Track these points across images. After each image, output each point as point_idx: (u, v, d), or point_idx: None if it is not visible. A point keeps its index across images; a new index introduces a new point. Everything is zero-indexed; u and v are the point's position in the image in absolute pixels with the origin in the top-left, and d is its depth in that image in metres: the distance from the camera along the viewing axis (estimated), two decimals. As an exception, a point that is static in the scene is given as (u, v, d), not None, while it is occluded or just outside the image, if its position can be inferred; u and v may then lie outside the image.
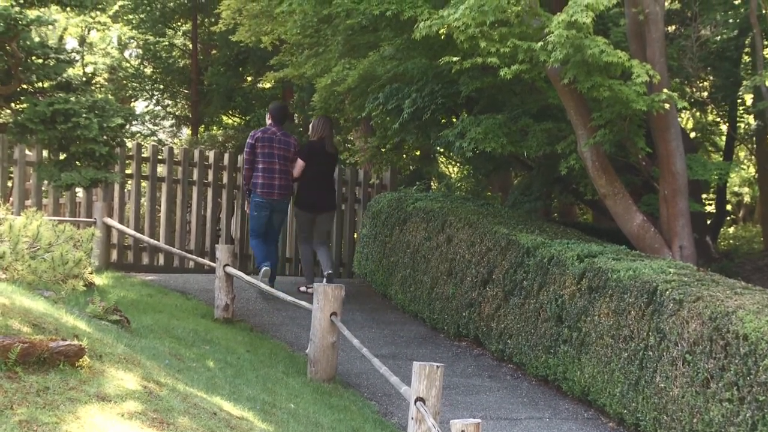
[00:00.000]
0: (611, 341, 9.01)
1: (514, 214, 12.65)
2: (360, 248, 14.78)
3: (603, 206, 11.95)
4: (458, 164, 22.93)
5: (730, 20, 13.65)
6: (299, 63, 15.33)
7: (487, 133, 12.07)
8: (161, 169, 15.63)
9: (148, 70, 24.99)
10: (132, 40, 25.65)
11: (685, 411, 7.91)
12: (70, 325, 7.56)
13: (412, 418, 6.89)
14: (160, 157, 15.59)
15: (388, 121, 14.56)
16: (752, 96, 14.32)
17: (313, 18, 13.51)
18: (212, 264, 12.14)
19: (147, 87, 24.82)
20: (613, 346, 8.98)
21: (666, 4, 11.27)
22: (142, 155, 15.48)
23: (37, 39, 11.40)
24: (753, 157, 18.90)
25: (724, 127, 16.74)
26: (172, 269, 15.35)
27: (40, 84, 11.28)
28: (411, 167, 18.92)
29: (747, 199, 23.02)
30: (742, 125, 17.30)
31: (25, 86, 11.11)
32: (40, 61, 11.14)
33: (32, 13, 10.74)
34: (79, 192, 15.24)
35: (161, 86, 24.58)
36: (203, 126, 24.11)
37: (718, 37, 14.04)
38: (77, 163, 11.04)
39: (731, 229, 21.48)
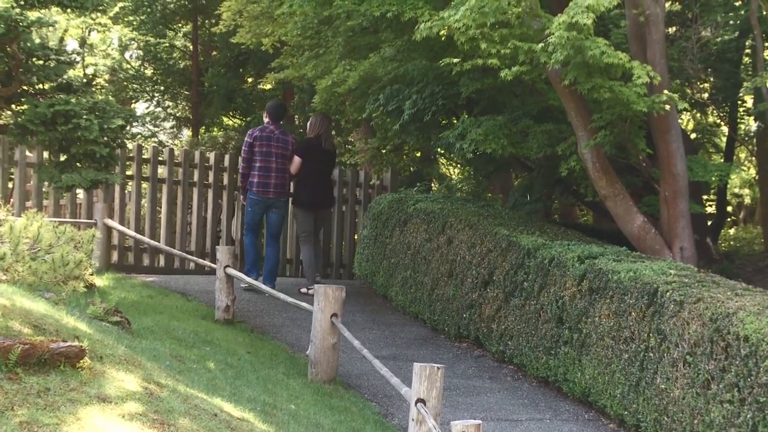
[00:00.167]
0: (612, 342, 9.01)
1: (514, 215, 12.65)
2: (360, 249, 14.78)
3: (603, 207, 11.95)
4: (459, 165, 22.94)
5: (731, 22, 13.64)
6: (300, 64, 15.34)
7: (488, 134, 12.08)
8: (162, 171, 15.63)
9: (149, 72, 25.01)
10: (132, 42, 25.67)
11: (685, 412, 7.91)
12: (70, 326, 7.56)
13: (413, 420, 6.89)
14: (160, 158, 15.59)
15: (388, 123, 14.57)
16: (753, 97, 14.33)
17: (314, 19, 13.52)
18: (213, 265, 12.15)
19: (147, 88, 24.83)
20: (613, 348, 8.98)
21: (666, 5, 11.27)
22: (143, 156, 15.47)
23: (37, 40, 11.40)
24: (753, 158, 18.90)
25: (724, 129, 16.74)
26: (173, 270, 15.35)
27: (40, 85, 11.27)
28: (411, 168, 18.93)
29: (747, 200, 23.02)
30: (743, 126, 17.30)
31: (25, 88, 11.11)
32: (41, 62, 11.14)
33: (33, 15, 10.74)
34: (80, 193, 15.24)
35: (162, 87, 24.59)
36: (204, 127, 24.12)
37: (719, 39, 14.04)
38: (78, 164, 11.04)
39: (732, 231, 21.48)
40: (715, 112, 16.41)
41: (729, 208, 20.66)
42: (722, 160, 15.79)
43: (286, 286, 13.32)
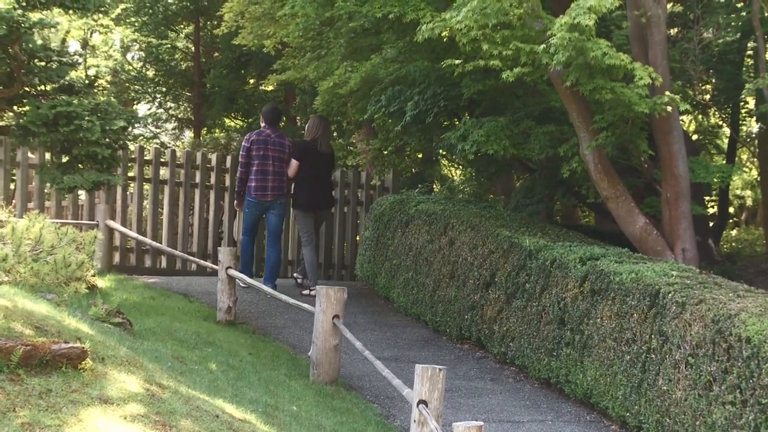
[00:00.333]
0: (614, 344, 9.00)
1: (516, 216, 12.65)
2: (362, 251, 14.78)
3: (605, 209, 11.94)
4: (460, 167, 22.93)
5: (733, 23, 13.63)
6: (301, 66, 15.34)
7: (490, 135, 12.07)
8: (164, 172, 15.64)
9: (151, 73, 25.01)
10: (134, 43, 25.67)
11: (687, 414, 7.91)
12: (72, 327, 7.56)
13: (415, 421, 6.89)
14: (162, 159, 15.60)
15: (390, 124, 14.57)
16: (754, 98, 14.32)
17: (316, 21, 13.52)
18: (215, 266, 12.16)
19: (149, 90, 24.83)
20: (615, 349, 8.97)
21: (668, 6, 11.27)
22: (145, 158, 15.49)
23: (39, 42, 11.40)
24: (755, 159, 18.89)
25: (726, 130, 16.74)
26: (175, 272, 15.36)
27: (42, 87, 11.28)
28: (413, 170, 18.93)
29: (749, 202, 23.01)
30: (745, 128, 17.29)
31: (27, 89, 11.11)
32: (43, 63, 11.14)
33: (35, 16, 10.74)
34: (82, 195, 15.26)
35: (163, 89, 24.59)
36: (205, 128, 24.12)
37: (721, 40, 14.04)
38: (80, 165, 11.04)
39: (734, 232, 21.46)
40: (716, 113, 16.41)
41: (731, 210, 20.65)
42: (724, 162, 15.78)
43: (287, 288, 13.33)
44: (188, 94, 23.97)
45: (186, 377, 7.91)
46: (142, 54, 25.58)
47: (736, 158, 18.10)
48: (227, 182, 15.80)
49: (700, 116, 17.64)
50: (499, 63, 10.14)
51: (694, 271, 9.26)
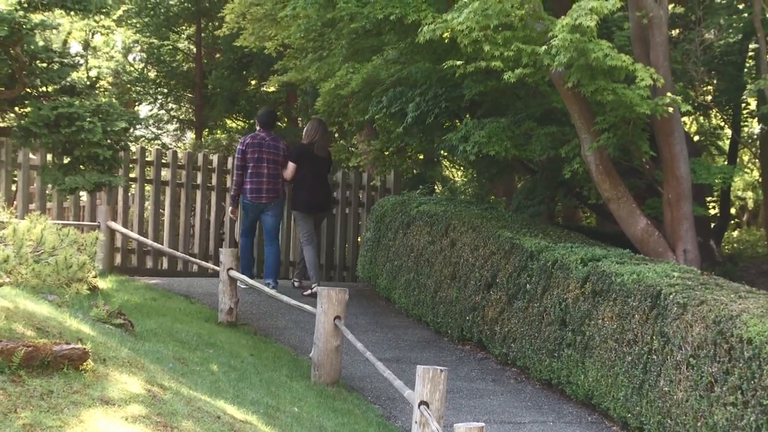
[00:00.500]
0: (615, 345, 9.00)
1: (517, 217, 12.65)
2: (363, 252, 14.78)
3: (607, 210, 11.94)
4: (462, 168, 22.93)
5: (734, 24, 13.63)
6: (303, 67, 15.34)
7: (491, 136, 12.07)
8: (165, 173, 15.64)
9: (152, 74, 25.01)
10: (136, 44, 25.66)
11: (689, 415, 7.91)
12: (74, 328, 7.56)
13: (416, 422, 6.89)
14: (164, 160, 15.60)
15: (391, 125, 14.57)
16: (756, 100, 14.31)
17: (317, 22, 13.52)
18: (216, 268, 12.16)
19: (151, 91, 24.83)
20: (616, 350, 8.97)
21: (670, 7, 11.26)
22: (146, 159, 15.50)
23: (41, 43, 11.42)
24: (757, 160, 18.88)
25: (727, 131, 16.72)
26: (176, 273, 15.37)
27: (44, 88, 11.29)
28: (414, 171, 18.92)
29: (750, 203, 23.00)
30: (746, 129, 17.28)
31: (29, 90, 11.13)
32: (44, 65, 11.16)
33: (36, 17, 10.75)
34: (83, 196, 15.26)
35: (165, 90, 24.60)
36: (207, 130, 24.12)
37: (722, 41, 14.03)
38: (81, 166, 11.06)
39: (735, 233, 21.45)
40: (718, 114, 16.39)
41: (732, 211, 20.64)
42: (725, 163, 15.78)
43: (288, 289, 13.33)
44: (190, 95, 23.97)
45: (187, 378, 7.91)
46: (144, 55, 25.58)
47: (738, 159, 18.09)
48: (229, 183, 15.80)
49: (701, 117, 17.63)
50: (501, 64, 10.14)
51: (696, 272, 9.26)
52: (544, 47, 9.86)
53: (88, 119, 10.57)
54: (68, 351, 6.47)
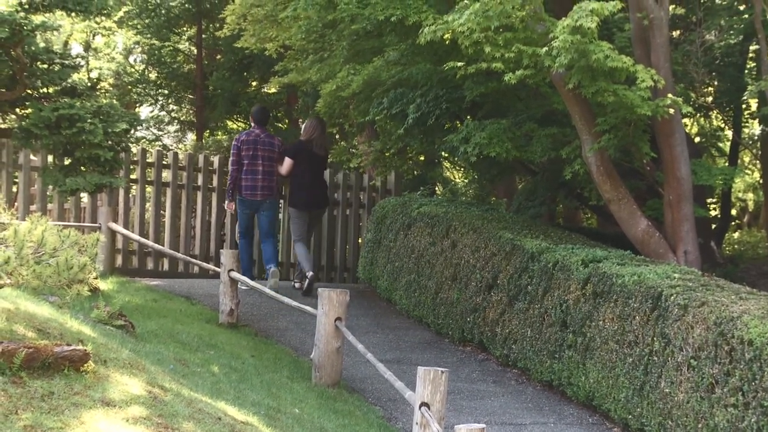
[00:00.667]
0: (616, 346, 9.00)
1: (518, 219, 12.65)
2: (364, 253, 14.78)
3: (607, 211, 11.94)
4: (463, 169, 22.92)
5: (735, 25, 13.63)
6: (304, 68, 15.34)
7: (492, 138, 12.07)
8: (166, 174, 15.64)
9: (153, 75, 25.01)
10: (137, 46, 25.66)
11: (689, 416, 7.90)
12: (74, 330, 7.57)
13: (417, 423, 6.88)
14: (164, 162, 15.60)
15: (392, 126, 14.58)
16: (757, 101, 14.31)
17: (318, 23, 13.53)
18: (217, 269, 12.17)
19: (152, 92, 24.83)
20: (617, 351, 8.97)
21: (670, 9, 11.25)
22: (147, 160, 15.50)
23: (42, 44, 11.42)
24: (757, 162, 18.87)
25: (728, 133, 16.73)
26: (177, 274, 15.37)
27: (45, 89, 11.30)
28: (415, 172, 18.92)
29: (751, 205, 22.99)
30: (747, 130, 17.28)
31: (30, 91, 11.14)
32: (45, 66, 11.16)
33: (37, 19, 10.76)
34: (84, 197, 15.26)
35: (166, 91, 24.59)
36: (208, 131, 24.12)
37: (723, 43, 14.02)
38: (82, 168, 11.06)
39: (736, 234, 21.45)
40: (719, 116, 16.39)
41: (733, 212, 20.64)
42: (726, 164, 15.77)
43: (289, 290, 13.33)
44: (190, 96, 23.96)
45: (188, 380, 7.91)
46: (145, 56, 25.57)
47: (739, 161, 18.07)
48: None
49: (702, 119, 17.62)
50: (502, 65, 10.14)
51: (697, 273, 9.26)
52: (544, 49, 9.86)
53: (89, 120, 10.58)
54: (69, 352, 6.47)
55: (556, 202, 15.32)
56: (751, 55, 14.42)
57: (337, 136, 20.95)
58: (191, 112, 24.69)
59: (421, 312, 12.66)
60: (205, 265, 13.36)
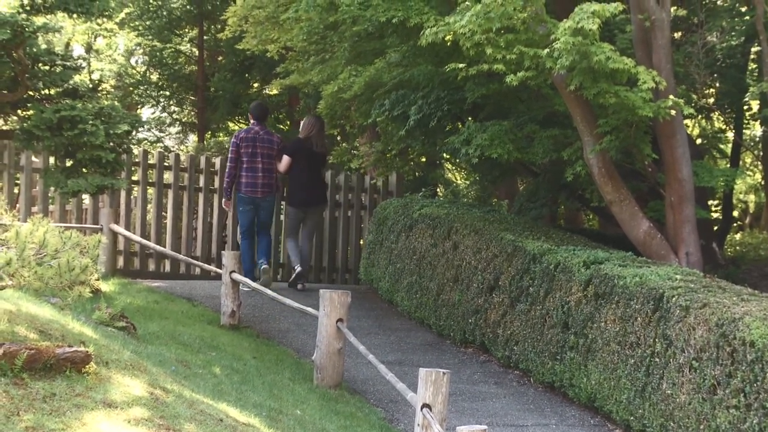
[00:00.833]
0: (618, 348, 9.00)
1: (520, 220, 12.65)
2: (366, 255, 14.78)
3: (609, 213, 11.93)
4: (464, 171, 22.92)
5: (736, 27, 13.63)
6: (305, 69, 15.35)
7: (493, 139, 12.07)
8: (168, 176, 15.64)
9: (155, 77, 25.01)
10: (138, 47, 25.67)
11: (691, 418, 7.90)
12: (76, 331, 7.57)
13: (419, 425, 6.89)
14: (166, 163, 15.60)
15: (393, 128, 14.57)
16: (758, 102, 14.31)
17: (319, 25, 13.53)
18: (218, 270, 12.17)
19: (153, 93, 24.83)
20: (619, 353, 8.97)
21: (672, 10, 11.25)
22: (149, 162, 15.50)
23: (43, 46, 11.42)
24: (759, 163, 18.86)
25: (730, 134, 16.72)
26: (179, 276, 15.36)
27: (46, 91, 11.29)
28: (417, 173, 18.93)
29: (752, 206, 22.98)
30: (748, 132, 17.26)
31: (31, 93, 11.13)
32: (47, 68, 11.16)
33: (39, 20, 10.76)
34: (86, 198, 15.26)
35: (167, 93, 24.59)
36: (210, 132, 24.12)
37: (724, 44, 14.01)
38: (84, 169, 11.06)
39: (738, 236, 21.43)
40: (720, 117, 16.38)
41: (735, 214, 20.63)
42: (728, 166, 15.76)
43: (291, 292, 13.34)
44: (192, 98, 23.97)
45: (190, 381, 7.91)
46: (146, 58, 25.58)
47: (740, 162, 18.07)
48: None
49: (703, 120, 17.62)
50: (503, 67, 10.14)
51: (698, 274, 9.25)
52: (546, 50, 9.86)
53: (91, 122, 10.57)
54: (71, 354, 6.47)
55: (557, 203, 15.31)
56: (752, 56, 14.42)
57: (338, 138, 20.94)
58: (193, 113, 24.69)
59: (423, 313, 12.66)
60: (206, 266, 13.37)
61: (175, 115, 25.70)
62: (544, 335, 10.14)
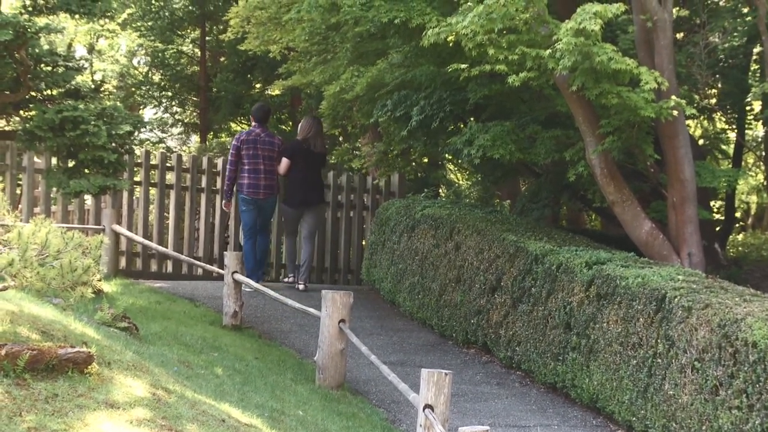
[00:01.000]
0: (620, 348, 8.99)
1: (522, 221, 12.65)
2: (368, 255, 14.79)
3: (611, 213, 11.93)
4: (466, 171, 22.92)
5: (739, 27, 13.62)
6: (307, 70, 15.37)
7: (495, 140, 12.07)
8: (170, 177, 15.65)
9: (157, 78, 25.04)
10: (140, 48, 25.70)
11: (693, 418, 7.90)
12: (78, 332, 7.57)
13: (421, 426, 6.88)
14: (168, 164, 15.61)
15: (395, 128, 14.58)
16: (760, 103, 14.31)
17: (321, 25, 13.55)
18: (220, 271, 12.17)
19: (155, 94, 24.86)
20: (621, 354, 8.96)
21: (674, 11, 11.24)
22: (151, 162, 15.51)
23: (45, 46, 11.41)
24: (761, 163, 18.86)
25: (732, 135, 16.72)
26: (181, 276, 15.37)
27: (48, 91, 11.29)
28: (419, 174, 18.93)
29: (753, 207, 22.97)
30: (751, 132, 17.25)
31: (33, 94, 11.13)
32: (49, 68, 11.16)
33: (41, 21, 10.76)
34: (88, 199, 15.27)
35: (170, 93, 24.62)
36: (212, 133, 24.15)
37: (727, 45, 14.01)
38: (86, 170, 11.05)
39: (740, 237, 21.42)
40: (722, 118, 16.38)
41: (737, 214, 20.61)
42: (730, 166, 15.76)
43: (292, 292, 13.33)
44: (194, 98, 23.99)
45: (192, 382, 7.91)
46: (148, 59, 25.61)
47: (742, 163, 18.06)
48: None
49: (705, 121, 17.63)
50: (505, 68, 10.14)
51: (701, 275, 9.25)
52: (548, 51, 9.86)
53: (93, 123, 10.57)
54: (73, 354, 6.47)
55: (559, 204, 15.32)
56: (754, 57, 14.41)
57: (340, 138, 20.96)
58: (195, 114, 24.71)
59: (425, 314, 12.66)
60: (208, 267, 13.38)
61: (177, 116, 25.73)
62: (547, 336, 10.14)
